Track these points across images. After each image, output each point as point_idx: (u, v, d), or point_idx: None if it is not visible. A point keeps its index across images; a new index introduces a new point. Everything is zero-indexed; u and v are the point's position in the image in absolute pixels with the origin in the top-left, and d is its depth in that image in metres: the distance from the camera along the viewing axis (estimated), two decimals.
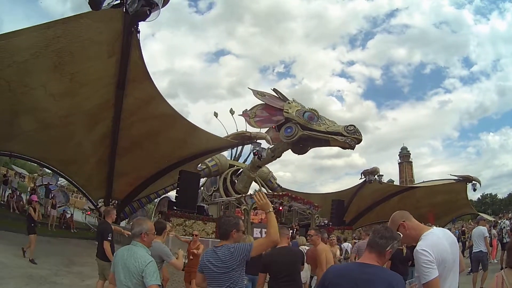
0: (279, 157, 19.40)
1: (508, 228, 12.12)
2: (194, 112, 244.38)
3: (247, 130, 20.57)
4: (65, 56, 9.90)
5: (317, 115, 16.89)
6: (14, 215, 15.47)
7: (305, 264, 4.81)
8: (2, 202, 17.27)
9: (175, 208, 15.68)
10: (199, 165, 20.97)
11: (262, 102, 18.52)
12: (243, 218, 16.38)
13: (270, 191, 23.95)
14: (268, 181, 27.02)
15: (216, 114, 25.32)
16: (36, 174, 33.76)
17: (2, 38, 8.49)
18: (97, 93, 12.50)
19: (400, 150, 68.03)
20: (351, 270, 2.05)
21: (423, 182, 33.10)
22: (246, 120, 18.96)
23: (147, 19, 8.58)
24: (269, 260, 3.65)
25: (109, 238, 5.58)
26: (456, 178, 26.35)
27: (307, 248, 6.64)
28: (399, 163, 66.86)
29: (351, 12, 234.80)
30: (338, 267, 2.46)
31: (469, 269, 9.59)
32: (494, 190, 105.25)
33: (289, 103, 17.81)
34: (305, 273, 5.44)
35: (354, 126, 15.81)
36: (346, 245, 10.63)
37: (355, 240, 12.65)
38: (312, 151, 19.16)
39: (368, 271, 1.93)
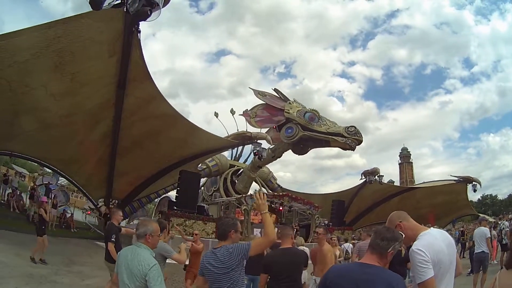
0: (279, 157, 19.42)
1: (507, 229, 12.11)
2: (195, 112, 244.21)
3: (248, 130, 20.57)
4: (65, 56, 9.91)
5: (318, 115, 16.90)
6: (14, 214, 15.51)
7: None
8: (2, 201, 17.29)
9: (175, 208, 15.70)
10: (200, 165, 20.98)
11: (263, 102, 18.52)
12: (243, 218, 16.40)
13: (270, 191, 23.98)
14: (268, 181, 27.03)
15: (216, 114, 25.38)
16: (37, 174, 33.76)
17: (2, 38, 8.51)
18: (98, 93, 12.51)
19: (400, 151, 67.96)
20: (352, 271, 2.05)
21: (424, 182, 33.13)
22: (246, 120, 18.98)
23: (148, 19, 8.59)
24: (270, 261, 3.63)
25: (112, 239, 5.57)
26: (456, 179, 26.35)
27: (306, 248, 6.63)
28: (399, 164, 66.78)
29: (352, 12, 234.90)
30: (339, 267, 2.46)
31: (469, 270, 9.59)
32: (495, 191, 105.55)
33: (290, 103, 17.83)
34: (305, 273, 5.41)
35: (355, 127, 15.82)
36: (347, 246, 10.64)
37: (353, 241, 12.64)
38: (313, 152, 19.17)
39: (368, 272, 1.92)
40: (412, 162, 66.47)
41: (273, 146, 19.04)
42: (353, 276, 1.93)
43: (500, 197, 63.46)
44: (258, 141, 19.42)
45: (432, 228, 2.45)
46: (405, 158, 66.33)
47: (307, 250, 6.60)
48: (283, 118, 17.45)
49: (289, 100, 18.26)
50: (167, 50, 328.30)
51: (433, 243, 2.18)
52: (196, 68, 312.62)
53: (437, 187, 27.42)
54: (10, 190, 17.74)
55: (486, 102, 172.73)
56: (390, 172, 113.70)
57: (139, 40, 10.47)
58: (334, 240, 8.71)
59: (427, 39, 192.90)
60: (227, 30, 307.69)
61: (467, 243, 14.27)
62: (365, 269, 1.95)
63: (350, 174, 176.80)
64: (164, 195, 23.83)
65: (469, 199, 28.85)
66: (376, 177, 25.70)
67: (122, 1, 8.43)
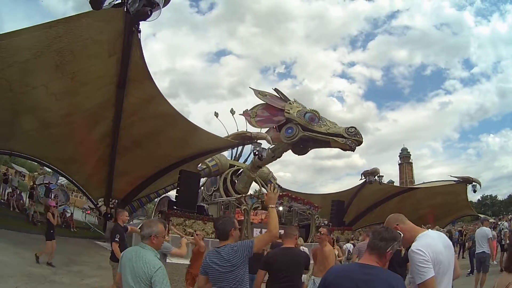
0: (279, 157, 19.41)
1: (506, 230, 12.14)
2: (195, 112, 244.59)
3: (248, 130, 20.56)
4: (66, 56, 9.91)
5: (318, 116, 16.89)
6: (14, 213, 15.52)
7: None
8: (2, 200, 17.28)
9: (175, 207, 15.70)
10: (199, 165, 20.97)
11: (263, 102, 18.51)
12: (243, 218, 16.41)
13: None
14: (268, 181, 26.96)
15: (216, 114, 25.37)
16: (36, 173, 33.78)
17: (3, 37, 8.50)
18: (98, 92, 12.51)
19: (400, 151, 67.84)
20: (351, 271, 2.05)
21: (423, 183, 33.12)
22: (247, 119, 18.96)
23: (148, 19, 8.59)
24: (270, 259, 3.59)
25: (116, 239, 5.63)
26: (456, 179, 26.36)
27: (305, 248, 6.63)
28: (399, 164, 66.69)
29: (352, 13, 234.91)
30: (338, 268, 2.46)
31: (468, 270, 9.61)
32: (494, 191, 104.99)
33: (290, 103, 17.81)
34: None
35: (355, 128, 15.81)
36: (349, 246, 10.70)
37: (352, 241, 12.66)
38: (313, 152, 19.16)
39: (368, 272, 1.92)
40: (412, 163, 66.43)
41: (273, 146, 19.02)
42: (353, 276, 1.94)
43: (499, 197, 63.37)
44: (258, 141, 19.41)
45: (430, 229, 2.45)
46: (405, 158, 66.25)
47: (306, 250, 6.61)
48: (283, 118, 17.43)
49: (290, 100, 18.24)
50: (167, 50, 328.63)
51: (432, 243, 2.18)
52: (196, 68, 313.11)
53: (437, 188, 27.42)
54: (10, 190, 17.73)
55: (486, 103, 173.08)
56: (390, 173, 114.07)
57: (139, 40, 10.48)
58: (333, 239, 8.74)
59: (427, 40, 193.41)
60: (228, 30, 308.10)
61: (466, 243, 14.29)
62: (365, 270, 1.95)
63: (350, 174, 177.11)
64: (164, 195, 23.85)
65: (469, 200, 28.90)
66: (376, 177, 25.71)
67: (123, 1, 8.44)
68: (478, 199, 58.74)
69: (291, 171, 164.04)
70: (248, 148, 22.09)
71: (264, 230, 16.96)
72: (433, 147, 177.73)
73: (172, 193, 21.21)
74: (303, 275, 3.93)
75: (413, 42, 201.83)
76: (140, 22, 9.54)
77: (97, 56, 10.73)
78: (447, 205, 27.23)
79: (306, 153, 18.57)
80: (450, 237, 14.07)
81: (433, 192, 27.08)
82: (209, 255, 2.77)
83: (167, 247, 4.35)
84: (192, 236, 7.61)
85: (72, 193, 31.90)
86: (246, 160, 25.87)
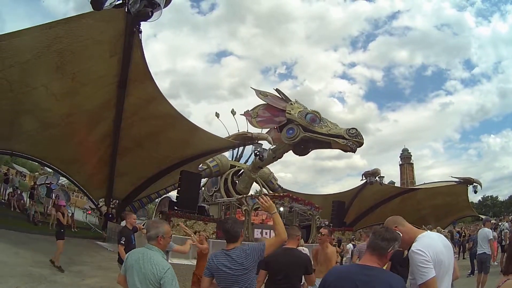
0: (280, 158, 19.39)
1: (507, 230, 12.13)
2: (196, 113, 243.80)
3: (249, 131, 20.56)
4: (66, 56, 9.93)
5: (319, 117, 16.87)
6: (15, 213, 15.54)
7: None
8: (3, 200, 17.32)
9: (176, 208, 15.68)
10: (200, 166, 20.97)
11: (264, 103, 18.51)
12: (244, 218, 16.40)
13: (271, 192, 23.95)
14: (269, 182, 26.99)
15: (217, 115, 25.35)
16: (37, 173, 33.83)
17: (3, 38, 8.52)
18: (99, 93, 12.53)
19: (401, 152, 67.70)
20: (352, 272, 2.04)
21: (424, 184, 33.04)
22: (248, 120, 18.96)
23: (149, 20, 8.60)
24: (270, 258, 3.58)
25: (121, 242, 5.69)
26: (457, 180, 26.30)
27: (306, 248, 6.60)
28: (400, 165, 66.55)
29: (353, 14, 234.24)
30: (339, 269, 2.45)
31: (469, 271, 9.60)
32: (495, 192, 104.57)
33: (291, 104, 17.80)
34: None
35: (356, 129, 15.79)
36: (350, 246, 10.79)
37: (353, 242, 12.70)
38: (313, 152, 19.13)
39: (368, 273, 1.92)
40: (412, 163, 66.28)
41: (274, 146, 19.01)
42: (353, 277, 1.93)
43: (500, 198, 63.13)
44: (259, 141, 19.42)
45: (428, 231, 2.45)
46: (405, 159, 66.13)
47: (306, 250, 6.59)
48: (284, 118, 17.40)
49: (291, 101, 18.22)
50: (168, 51, 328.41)
51: (432, 244, 2.18)
52: (197, 69, 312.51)
53: (437, 188, 27.36)
54: (10, 190, 17.77)
55: (487, 103, 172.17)
56: (391, 173, 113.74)
57: (140, 40, 10.50)
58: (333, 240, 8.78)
59: (428, 40, 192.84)
60: (228, 31, 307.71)
61: (467, 244, 14.28)
62: (365, 271, 1.95)
63: (351, 175, 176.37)
64: (165, 195, 23.86)
65: (470, 200, 28.79)
66: (376, 178, 25.65)
67: (124, 1, 8.44)
68: (479, 200, 58.72)
69: (292, 171, 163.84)
70: (249, 148, 22.12)
71: (265, 231, 16.97)
72: (434, 147, 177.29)
73: (173, 194, 21.21)
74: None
75: (414, 42, 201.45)
76: (141, 23, 9.56)
77: (98, 57, 10.75)
78: (448, 205, 27.16)
79: (307, 153, 18.55)
80: (451, 238, 14.08)
81: (434, 192, 27.03)
82: (216, 257, 2.73)
83: (169, 244, 4.37)
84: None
85: (73, 193, 31.95)
86: (247, 161, 25.84)
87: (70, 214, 19.99)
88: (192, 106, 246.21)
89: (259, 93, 18.85)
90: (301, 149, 18.05)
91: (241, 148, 24.79)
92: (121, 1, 8.46)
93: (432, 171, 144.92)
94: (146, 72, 11.96)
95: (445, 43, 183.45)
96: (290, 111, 17.31)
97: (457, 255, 14.20)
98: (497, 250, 11.18)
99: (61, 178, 23.19)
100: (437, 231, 10.48)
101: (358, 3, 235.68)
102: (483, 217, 19.92)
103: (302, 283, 3.82)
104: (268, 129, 19.26)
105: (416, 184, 45.60)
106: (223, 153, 22.84)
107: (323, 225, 19.29)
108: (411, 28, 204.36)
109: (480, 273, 7.70)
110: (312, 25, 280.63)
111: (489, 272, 7.50)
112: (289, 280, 3.43)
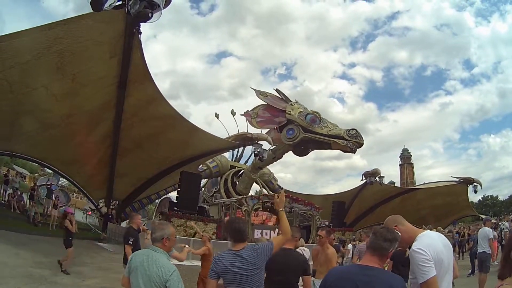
0: (280, 158, 19.39)
1: (507, 230, 12.13)
2: (196, 113, 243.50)
3: (248, 131, 20.56)
4: (66, 57, 9.95)
5: (319, 117, 16.88)
6: (15, 214, 15.52)
7: None
8: (3, 201, 17.30)
9: (176, 209, 15.67)
10: (200, 166, 20.96)
11: (264, 103, 18.51)
12: (244, 219, 16.40)
13: (271, 193, 23.94)
14: (269, 182, 26.97)
15: (217, 115, 25.33)
16: (37, 174, 33.79)
17: (3, 39, 8.53)
18: (99, 94, 12.54)
19: (401, 152, 67.79)
20: (352, 273, 2.05)
21: (424, 184, 33.07)
22: (248, 120, 18.96)
23: (149, 20, 8.62)
24: (270, 259, 3.56)
25: (130, 242, 5.68)
26: (457, 180, 26.33)
27: (306, 249, 6.59)
28: (400, 165, 66.62)
29: (353, 14, 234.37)
30: (339, 270, 2.45)
31: (469, 271, 9.61)
32: (495, 192, 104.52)
33: (291, 104, 17.80)
34: None
35: (356, 130, 15.80)
36: (350, 247, 10.80)
37: (354, 242, 12.69)
38: (313, 153, 19.15)
39: (368, 273, 1.93)
40: (412, 163, 66.35)
41: (273, 147, 19.01)
42: (353, 278, 1.93)
43: (500, 198, 63.24)
44: (259, 142, 19.42)
45: (428, 230, 2.45)
46: (405, 159, 66.19)
47: (307, 250, 6.58)
48: (284, 119, 17.41)
49: (291, 101, 18.23)
50: (168, 52, 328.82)
51: (432, 243, 2.18)
52: (197, 70, 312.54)
53: (437, 188, 27.39)
54: (10, 191, 17.74)
55: (487, 103, 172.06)
56: (391, 173, 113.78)
57: (140, 41, 10.51)
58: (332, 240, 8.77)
59: (428, 40, 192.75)
60: (228, 31, 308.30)
61: (466, 244, 14.30)
62: (365, 271, 1.95)
63: (351, 175, 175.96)
64: (165, 196, 23.83)
65: (470, 200, 28.84)
66: (376, 178, 25.68)
67: (123, 2, 8.45)
68: (479, 200, 58.81)
69: (292, 172, 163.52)
70: (249, 149, 22.07)
71: (265, 231, 16.97)
72: (434, 147, 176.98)
73: (173, 194, 21.21)
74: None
75: (413, 43, 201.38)
76: (141, 24, 9.58)
77: (98, 58, 10.76)
78: (448, 205, 27.19)
79: (307, 154, 18.56)
80: (452, 238, 14.08)
81: (434, 192, 27.06)
82: (225, 258, 2.69)
83: None
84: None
85: (73, 194, 31.88)
86: (247, 161, 25.80)
87: None
88: (192, 107, 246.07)
89: (259, 94, 18.85)
90: (301, 149, 18.07)
91: (241, 149, 24.76)
92: (120, 2, 8.48)
93: (432, 171, 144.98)
94: (146, 73, 11.97)
95: (444, 43, 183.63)
96: (290, 111, 17.31)
97: (457, 255, 14.21)
98: (497, 249, 11.19)
99: (61, 179, 23.17)
100: (437, 231, 10.49)
101: (357, 3, 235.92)
102: (483, 216, 19.94)
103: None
104: (268, 130, 19.27)
105: (416, 184, 45.63)
106: (223, 154, 22.84)
107: (323, 225, 19.29)
108: (411, 28, 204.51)
109: (480, 272, 7.72)
110: (312, 25, 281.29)
111: (489, 271, 7.50)
112: (285, 281, 3.41)
